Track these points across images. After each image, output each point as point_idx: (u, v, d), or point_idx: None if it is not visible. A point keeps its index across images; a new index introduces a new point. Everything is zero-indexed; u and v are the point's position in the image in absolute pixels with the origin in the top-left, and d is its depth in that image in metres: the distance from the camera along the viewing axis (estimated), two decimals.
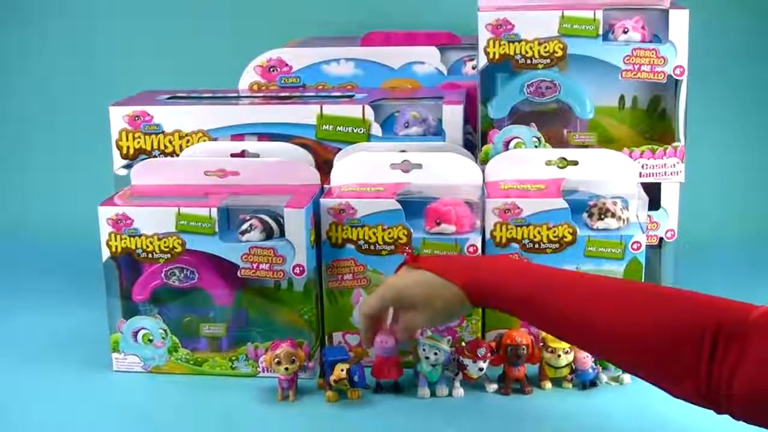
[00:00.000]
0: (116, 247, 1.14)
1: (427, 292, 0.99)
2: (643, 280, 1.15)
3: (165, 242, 1.13)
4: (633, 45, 1.20)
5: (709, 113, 1.57)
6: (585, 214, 1.14)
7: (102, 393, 1.13)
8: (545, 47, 1.20)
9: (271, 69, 1.38)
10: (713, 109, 1.61)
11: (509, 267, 0.97)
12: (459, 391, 1.10)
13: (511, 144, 1.23)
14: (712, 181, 1.63)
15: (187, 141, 1.25)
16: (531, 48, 1.20)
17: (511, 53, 1.21)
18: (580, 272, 0.90)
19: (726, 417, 1.04)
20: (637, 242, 1.12)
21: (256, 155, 1.23)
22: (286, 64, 1.38)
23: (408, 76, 1.37)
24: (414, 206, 1.14)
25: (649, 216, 1.21)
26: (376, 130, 1.23)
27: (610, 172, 1.16)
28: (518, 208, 1.14)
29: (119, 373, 1.18)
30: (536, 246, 1.15)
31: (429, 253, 1.13)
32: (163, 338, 1.16)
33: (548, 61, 1.21)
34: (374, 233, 1.14)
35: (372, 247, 1.14)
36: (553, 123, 1.25)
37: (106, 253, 1.15)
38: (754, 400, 0.72)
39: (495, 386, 1.10)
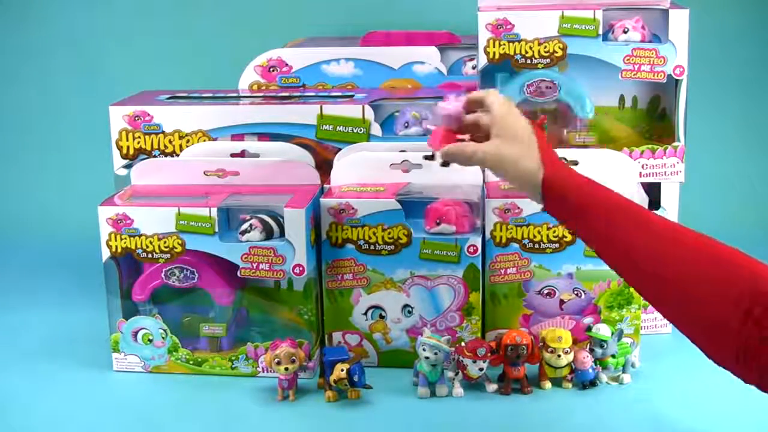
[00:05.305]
0: (116, 247, 1.14)
1: (520, 138, 0.95)
2: None
3: (165, 242, 1.13)
4: (633, 45, 1.20)
5: (709, 113, 1.57)
6: None
7: (102, 393, 1.13)
8: (545, 47, 1.20)
9: (271, 69, 1.38)
10: (713, 109, 1.61)
11: (597, 195, 0.92)
12: (459, 390, 1.10)
13: None
14: (712, 181, 1.63)
15: (187, 141, 1.25)
16: (531, 48, 1.21)
17: (511, 53, 1.21)
18: (651, 213, 0.89)
19: (726, 416, 1.05)
20: None
21: (256, 155, 1.23)
22: (286, 64, 1.38)
23: (408, 76, 1.37)
24: (414, 206, 1.14)
25: None
26: (376, 130, 1.23)
27: (610, 172, 1.16)
28: (518, 208, 1.14)
29: (119, 373, 1.18)
30: (536, 246, 1.15)
31: (429, 253, 1.13)
32: (163, 338, 1.16)
33: (548, 61, 1.21)
34: (374, 233, 1.14)
35: (372, 247, 1.14)
36: (553, 123, 1.25)
37: (106, 253, 1.15)
38: None
39: (495, 386, 1.10)
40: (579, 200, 0.91)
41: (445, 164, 1.05)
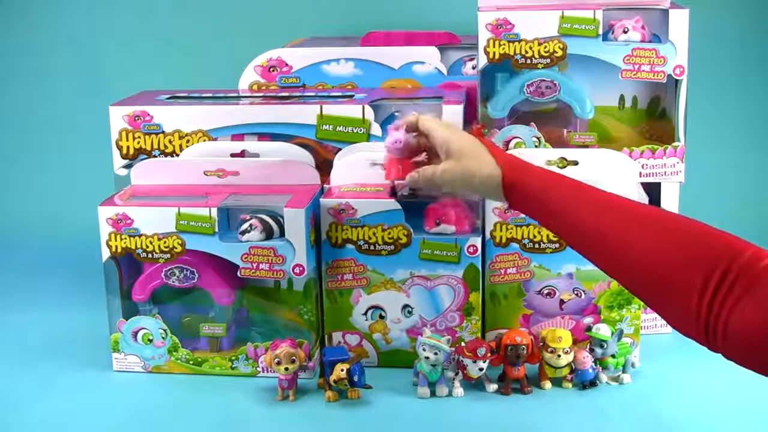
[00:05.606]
0: (116, 247, 1.14)
1: (469, 152, 0.99)
2: None
3: (165, 242, 1.13)
4: (633, 45, 1.20)
5: (709, 113, 1.57)
6: None
7: (102, 393, 1.13)
8: (545, 47, 1.20)
9: (271, 69, 1.38)
10: (713, 109, 1.61)
11: (551, 176, 0.96)
12: (459, 390, 1.10)
13: (511, 144, 1.23)
14: (712, 181, 1.63)
15: (187, 141, 1.25)
16: (531, 48, 1.21)
17: (511, 53, 1.21)
18: (610, 193, 0.90)
19: (726, 416, 1.05)
20: None
21: (256, 155, 1.23)
22: (286, 64, 1.38)
23: (408, 76, 1.37)
24: (414, 206, 1.14)
25: None
26: (376, 130, 1.23)
27: (610, 172, 1.16)
28: None
29: (119, 373, 1.18)
30: (536, 246, 1.15)
31: (429, 253, 1.13)
32: (163, 338, 1.16)
33: (548, 60, 1.21)
34: (374, 233, 1.14)
35: (372, 247, 1.14)
36: (553, 123, 1.25)
37: (106, 253, 1.15)
38: (745, 345, 0.72)
39: (495, 386, 1.10)
40: (537, 190, 0.93)
41: (412, 192, 1.08)
